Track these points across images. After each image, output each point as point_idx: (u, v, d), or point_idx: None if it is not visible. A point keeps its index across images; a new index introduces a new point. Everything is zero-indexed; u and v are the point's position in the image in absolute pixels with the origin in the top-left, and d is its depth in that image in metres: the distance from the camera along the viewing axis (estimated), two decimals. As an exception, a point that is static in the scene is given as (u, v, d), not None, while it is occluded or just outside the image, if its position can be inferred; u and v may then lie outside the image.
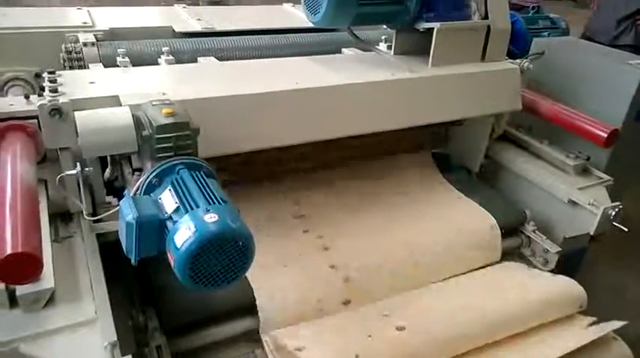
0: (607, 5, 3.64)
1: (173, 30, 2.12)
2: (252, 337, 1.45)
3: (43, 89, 1.37)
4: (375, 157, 2.06)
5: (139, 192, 1.13)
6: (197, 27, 2.15)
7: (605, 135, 1.87)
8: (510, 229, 1.96)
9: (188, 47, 1.95)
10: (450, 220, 1.89)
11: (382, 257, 1.68)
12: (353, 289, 1.58)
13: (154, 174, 1.12)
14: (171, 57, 1.82)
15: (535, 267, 1.92)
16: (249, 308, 1.44)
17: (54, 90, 1.33)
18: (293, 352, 1.35)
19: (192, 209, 1.00)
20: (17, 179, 1.16)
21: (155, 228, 1.02)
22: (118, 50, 1.81)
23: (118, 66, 1.77)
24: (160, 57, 1.84)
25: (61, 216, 1.44)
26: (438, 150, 2.27)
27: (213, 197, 1.04)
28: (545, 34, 2.66)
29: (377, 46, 2.05)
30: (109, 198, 1.49)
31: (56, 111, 1.28)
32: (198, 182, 1.09)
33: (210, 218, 0.97)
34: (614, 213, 1.81)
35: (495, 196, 2.07)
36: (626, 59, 2.24)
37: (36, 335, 1.06)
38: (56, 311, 1.11)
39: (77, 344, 1.06)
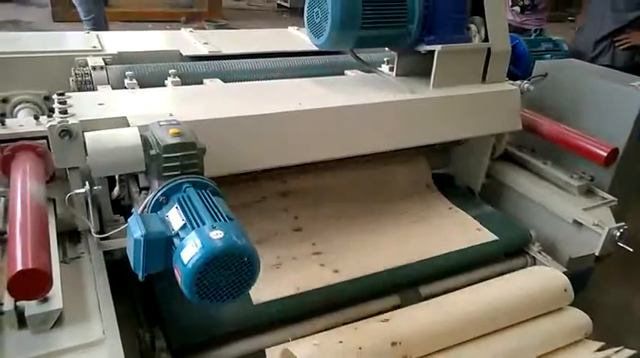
0: (586, 27, 3.67)
1: (180, 54, 2.16)
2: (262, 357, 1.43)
3: (52, 111, 1.39)
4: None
5: (146, 209, 1.15)
6: (204, 50, 2.19)
7: (605, 154, 1.89)
8: (516, 249, 1.96)
9: (194, 70, 1.99)
10: (451, 239, 1.87)
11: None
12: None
13: (161, 192, 1.14)
14: (177, 79, 1.86)
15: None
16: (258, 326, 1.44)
17: (63, 112, 1.34)
18: None
19: (198, 226, 1.02)
20: (27, 198, 1.19)
21: (162, 245, 1.04)
22: (126, 73, 1.85)
23: (125, 88, 1.81)
24: (166, 79, 1.88)
25: (69, 237, 1.46)
26: (443, 171, 2.29)
27: (219, 214, 1.06)
28: (548, 56, 2.68)
29: (379, 68, 2.09)
30: (116, 216, 1.51)
31: (66, 132, 1.30)
32: (204, 200, 1.11)
33: (216, 235, 0.99)
34: (619, 234, 1.81)
35: (500, 216, 2.07)
36: (628, 81, 2.26)
37: (44, 356, 1.06)
38: (64, 331, 1.12)
39: (85, 364, 1.06)
